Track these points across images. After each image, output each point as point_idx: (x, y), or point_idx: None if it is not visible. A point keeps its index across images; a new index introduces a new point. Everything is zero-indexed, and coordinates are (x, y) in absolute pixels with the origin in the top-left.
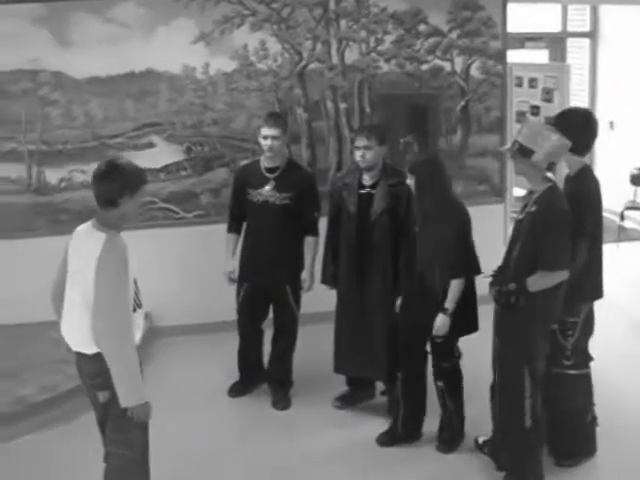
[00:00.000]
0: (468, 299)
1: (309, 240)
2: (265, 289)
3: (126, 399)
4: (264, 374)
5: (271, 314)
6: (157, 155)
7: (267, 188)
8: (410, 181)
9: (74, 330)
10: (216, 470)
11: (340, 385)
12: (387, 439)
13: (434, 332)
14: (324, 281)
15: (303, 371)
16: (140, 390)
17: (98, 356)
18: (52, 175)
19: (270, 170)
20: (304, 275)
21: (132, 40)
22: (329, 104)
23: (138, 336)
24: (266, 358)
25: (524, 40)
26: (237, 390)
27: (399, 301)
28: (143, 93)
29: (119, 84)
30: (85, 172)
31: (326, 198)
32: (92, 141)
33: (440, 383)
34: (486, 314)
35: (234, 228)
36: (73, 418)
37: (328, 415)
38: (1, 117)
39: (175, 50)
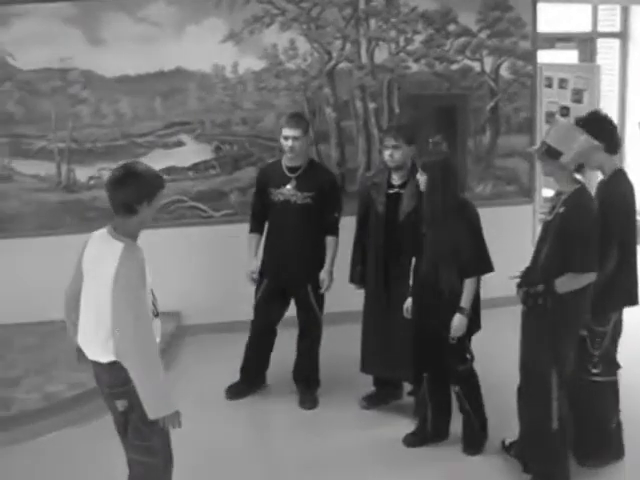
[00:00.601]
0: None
1: (329, 240)
2: (285, 287)
3: (154, 412)
4: (293, 374)
5: (292, 314)
6: (186, 154)
7: (288, 187)
8: (421, 178)
9: (90, 339)
10: (241, 469)
11: (367, 385)
12: (414, 440)
13: (452, 333)
14: (352, 280)
15: (330, 371)
16: (168, 401)
17: (115, 365)
18: (82, 173)
19: (292, 169)
20: (322, 275)
21: (162, 39)
22: (358, 104)
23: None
24: (282, 358)
25: (554, 40)
26: (235, 392)
27: (408, 303)
28: (172, 92)
29: (149, 83)
30: None
31: (352, 198)
32: (121, 140)
33: (457, 388)
34: (503, 315)
35: (256, 228)
36: (101, 415)
37: (355, 415)
38: (32, 115)
39: (204, 49)
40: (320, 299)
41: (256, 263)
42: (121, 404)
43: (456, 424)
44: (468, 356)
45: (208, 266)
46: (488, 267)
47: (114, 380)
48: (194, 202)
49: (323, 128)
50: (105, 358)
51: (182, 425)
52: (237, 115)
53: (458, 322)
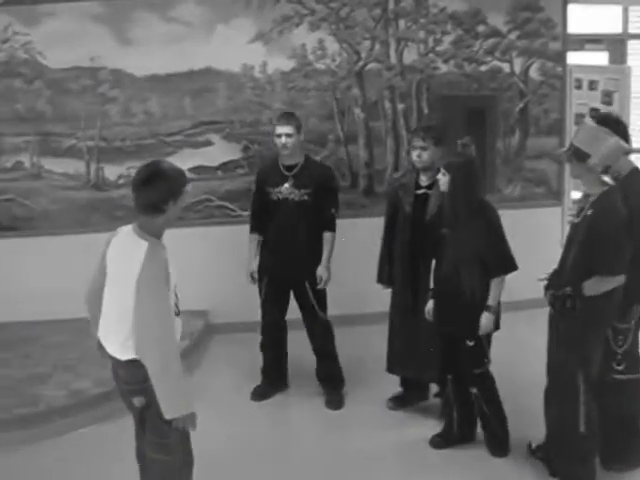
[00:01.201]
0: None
1: (326, 236)
2: (285, 284)
3: (171, 411)
4: (316, 375)
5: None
6: (215, 153)
7: (286, 185)
8: (442, 178)
9: (111, 336)
10: (266, 469)
11: (393, 385)
12: (440, 441)
13: (481, 331)
14: (380, 281)
15: (356, 371)
16: (184, 402)
17: (134, 362)
18: (110, 171)
19: (288, 168)
20: (320, 270)
21: (191, 39)
22: (387, 104)
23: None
24: (305, 359)
25: (584, 42)
26: (260, 394)
27: (429, 305)
28: (201, 91)
29: (178, 82)
30: None
31: (380, 198)
32: (150, 138)
33: (474, 390)
34: (532, 317)
35: (256, 228)
36: (127, 412)
37: (381, 416)
38: (61, 113)
39: (234, 49)
40: (320, 295)
41: (256, 263)
42: (138, 401)
43: None
44: (485, 360)
45: (236, 265)
46: (512, 266)
47: (131, 377)
48: (222, 201)
49: (352, 129)
50: (124, 355)
51: (197, 427)
52: (266, 115)
53: (485, 320)
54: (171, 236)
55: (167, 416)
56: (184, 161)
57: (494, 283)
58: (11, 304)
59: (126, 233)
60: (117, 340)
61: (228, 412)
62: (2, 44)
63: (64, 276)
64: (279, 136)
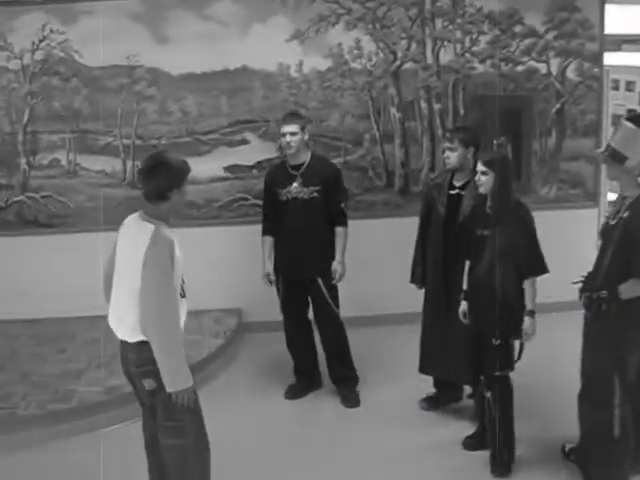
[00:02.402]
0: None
1: (338, 230)
2: (300, 282)
3: (172, 384)
4: (329, 376)
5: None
6: (250, 152)
7: (295, 185)
8: (484, 177)
9: (120, 319)
10: (296, 467)
11: (427, 386)
12: (473, 443)
13: (525, 339)
14: (413, 281)
15: (389, 371)
16: (185, 375)
17: (143, 344)
18: None
19: (295, 168)
20: (335, 265)
21: (228, 37)
22: (423, 104)
23: (181, 323)
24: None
25: (621, 42)
26: (293, 393)
27: (463, 307)
28: (237, 90)
29: (214, 81)
30: None
31: (416, 198)
32: (186, 137)
33: (488, 394)
34: (568, 319)
35: (269, 230)
36: None
37: (413, 416)
38: (98, 112)
39: (270, 48)
40: (333, 291)
41: (271, 266)
42: (148, 383)
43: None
44: (509, 362)
45: None
46: (544, 268)
47: (141, 359)
48: (257, 200)
49: (387, 128)
50: (134, 337)
51: (193, 404)
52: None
53: (529, 325)
54: (206, 234)
55: (169, 389)
56: (219, 160)
57: (527, 284)
58: (47, 300)
59: (133, 220)
60: (127, 323)
61: (259, 409)
62: (39, 42)
63: (99, 273)
64: (284, 135)
